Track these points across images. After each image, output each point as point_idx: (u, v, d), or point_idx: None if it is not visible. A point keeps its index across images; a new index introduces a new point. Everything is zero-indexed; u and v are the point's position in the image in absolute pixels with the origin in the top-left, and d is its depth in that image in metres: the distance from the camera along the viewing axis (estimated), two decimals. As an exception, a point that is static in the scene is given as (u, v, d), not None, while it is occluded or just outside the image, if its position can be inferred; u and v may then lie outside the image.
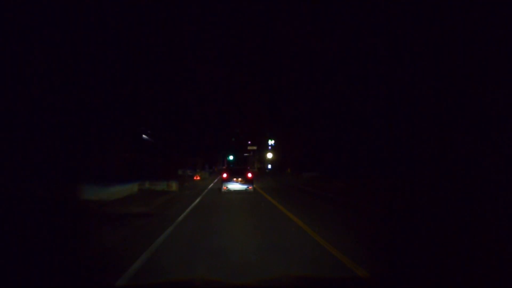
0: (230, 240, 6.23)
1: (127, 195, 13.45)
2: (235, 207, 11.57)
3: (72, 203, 9.50)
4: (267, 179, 36.26)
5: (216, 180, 29.68)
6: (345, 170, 27.55)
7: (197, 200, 13.30)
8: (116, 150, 15.01)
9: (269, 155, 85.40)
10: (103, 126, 12.99)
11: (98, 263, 4.85)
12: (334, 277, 4.07)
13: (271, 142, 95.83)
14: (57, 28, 10.65)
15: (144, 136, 20.91)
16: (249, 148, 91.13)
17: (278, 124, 59.62)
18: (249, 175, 15.87)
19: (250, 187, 15.67)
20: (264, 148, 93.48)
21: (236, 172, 16.07)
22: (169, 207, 11.08)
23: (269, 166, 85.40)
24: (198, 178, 27.86)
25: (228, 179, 15.58)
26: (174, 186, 18.06)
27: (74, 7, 11.26)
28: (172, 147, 34.33)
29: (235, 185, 15.51)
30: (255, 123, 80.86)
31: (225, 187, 15.55)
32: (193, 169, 35.70)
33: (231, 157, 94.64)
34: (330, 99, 31.50)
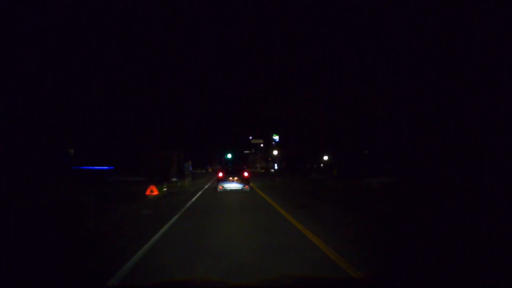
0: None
1: None
2: None
3: None
4: (276, 188, 20.03)
5: (197, 197, 13.35)
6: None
7: None
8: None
9: (275, 152, 68.80)
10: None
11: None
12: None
13: (276, 137, 79.51)
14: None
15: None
16: (253, 141, 74.32)
17: (289, 104, 43.66)
18: (245, 174, 15.12)
19: (246, 186, 14.85)
20: (269, 144, 77.47)
21: (232, 171, 15.41)
22: None
23: (276, 166, 68.57)
24: (154, 192, 11.75)
25: (224, 179, 14.83)
26: None
27: None
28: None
29: (231, 185, 14.75)
30: (256, 115, 66.01)
31: (221, 187, 14.75)
32: (163, 171, 19.50)
33: (229, 155, 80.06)
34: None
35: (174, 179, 19.45)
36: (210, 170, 53.36)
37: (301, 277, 3.67)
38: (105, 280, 3.67)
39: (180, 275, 3.77)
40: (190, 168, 50.49)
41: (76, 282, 3.69)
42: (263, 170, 61.32)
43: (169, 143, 31.88)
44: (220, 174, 15.05)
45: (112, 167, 22.67)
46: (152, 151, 21.04)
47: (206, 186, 19.04)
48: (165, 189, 14.46)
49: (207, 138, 66.72)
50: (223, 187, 14.62)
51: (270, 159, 68.53)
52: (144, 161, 19.96)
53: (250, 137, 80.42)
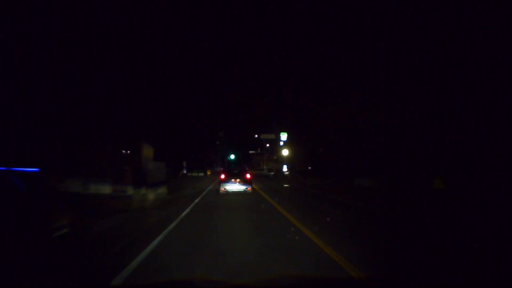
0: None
1: None
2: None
3: None
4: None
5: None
6: None
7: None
8: None
9: (285, 152, 59.54)
10: None
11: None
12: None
13: (283, 136, 70.15)
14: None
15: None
16: (262, 136, 65.01)
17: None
18: (248, 176, 15.51)
19: (248, 188, 15.02)
20: (276, 144, 68.38)
21: (234, 173, 15.76)
22: None
23: (285, 168, 59.16)
24: None
25: (226, 180, 15.10)
26: None
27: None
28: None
29: (234, 186, 14.94)
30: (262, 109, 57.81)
31: (223, 189, 14.94)
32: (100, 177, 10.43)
33: (232, 156, 72.40)
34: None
35: (128, 192, 10.52)
36: (209, 173, 43.83)
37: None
38: None
39: None
40: (185, 171, 41.02)
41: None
42: (272, 173, 51.61)
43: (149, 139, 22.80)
44: (222, 176, 15.44)
45: (36, 169, 13.78)
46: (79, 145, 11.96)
47: (187, 210, 10.03)
48: (63, 231, 5.53)
49: (208, 137, 57.76)
50: (225, 189, 14.81)
51: (280, 160, 59.07)
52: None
53: (256, 135, 71.30)
